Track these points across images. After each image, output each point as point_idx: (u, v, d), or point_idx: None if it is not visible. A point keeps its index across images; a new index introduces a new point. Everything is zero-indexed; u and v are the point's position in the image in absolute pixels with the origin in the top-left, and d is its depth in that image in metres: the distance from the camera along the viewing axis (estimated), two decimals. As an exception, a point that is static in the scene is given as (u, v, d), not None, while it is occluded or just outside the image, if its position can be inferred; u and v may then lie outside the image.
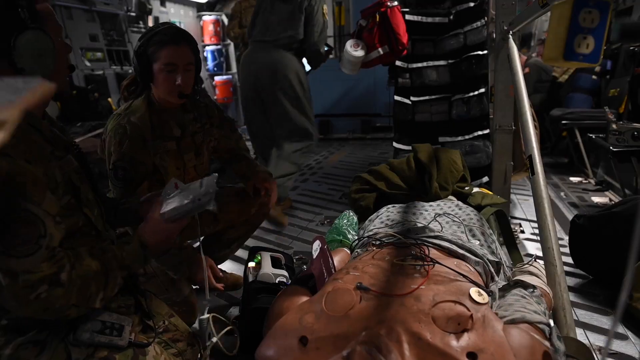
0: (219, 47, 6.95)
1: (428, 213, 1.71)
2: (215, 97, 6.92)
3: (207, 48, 6.92)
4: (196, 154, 1.86)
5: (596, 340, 1.64)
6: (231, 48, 7.08)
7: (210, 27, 6.85)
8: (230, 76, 7.17)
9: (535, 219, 1.56)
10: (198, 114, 1.86)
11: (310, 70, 3.33)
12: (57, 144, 1.13)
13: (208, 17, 6.86)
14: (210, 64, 6.97)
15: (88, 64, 4.86)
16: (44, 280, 0.96)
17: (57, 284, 0.98)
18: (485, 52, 2.91)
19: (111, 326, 1.15)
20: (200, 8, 6.92)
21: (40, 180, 1.00)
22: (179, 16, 6.42)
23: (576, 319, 1.76)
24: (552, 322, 1.11)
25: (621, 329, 1.68)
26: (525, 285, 1.20)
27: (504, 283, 1.27)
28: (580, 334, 1.65)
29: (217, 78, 7.04)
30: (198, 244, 2.17)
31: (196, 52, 1.71)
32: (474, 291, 1.05)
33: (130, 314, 1.23)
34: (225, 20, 6.88)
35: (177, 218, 1.18)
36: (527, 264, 1.56)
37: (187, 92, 1.68)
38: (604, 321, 1.76)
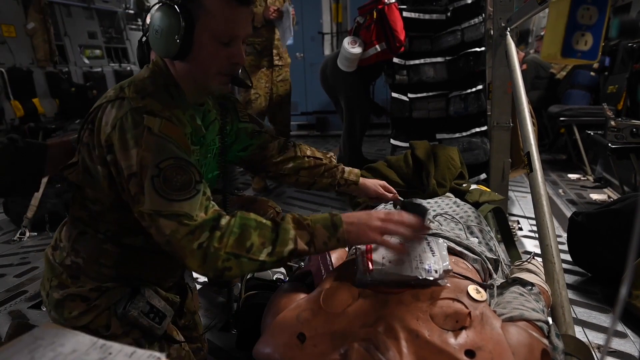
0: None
1: (426, 210, 1.70)
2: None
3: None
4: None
5: (595, 338, 1.64)
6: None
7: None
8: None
9: (533, 216, 1.56)
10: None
11: None
12: (198, 132, 1.17)
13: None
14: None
15: (87, 61, 4.86)
16: (204, 226, 0.96)
17: (217, 228, 0.97)
18: (483, 49, 2.91)
19: (156, 312, 1.16)
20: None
21: (185, 136, 1.05)
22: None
23: (575, 316, 1.76)
24: (550, 320, 1.11)
25: (620, 327, 1.68)
26: (523, 283, 1.19)
27: (502, 280, 1.27)
28: (579, 332, 1.65)
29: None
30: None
31: None
32: (472, 289, 1.05)
33: (174, 307, 1.23)
34: None
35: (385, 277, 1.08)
36: (526, 261, 1.56)
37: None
38: (602, 319, 1.76)
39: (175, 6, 1.03)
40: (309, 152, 1.54)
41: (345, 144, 3.73)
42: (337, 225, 1.02)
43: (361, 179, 1.58)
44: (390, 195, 1.61)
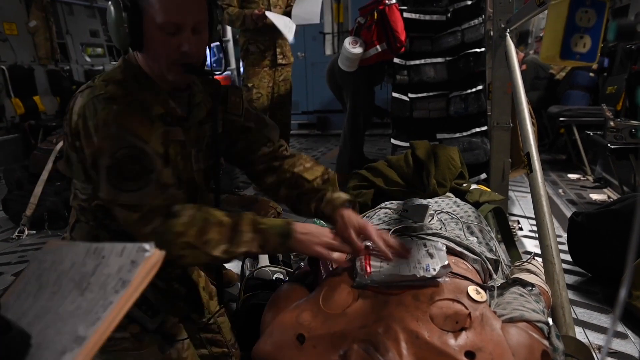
0: (217, 43, 6.92)
1: (426, 210, 1.69)
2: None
3: (206, 45, 6.91)
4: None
5: (595, 339, 1.64)
6: (230, 44, 7.04)
7: (210, 24, 6.83)
8: (229, 72, 7.15)
9: (533, 216, 1.56)
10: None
11: None
12: (173, 113, 1.14)
13: (207, 14, 6.83)
14: (209, 60, 6.94)
15: (88, 59, 4.86)
16: (155, 212, 0.98)
17: (172, 215, 1.00)
18: (483, 49, 2.91)
19: (148, 304, 1.15)
20: (200, 5, 6.90)
21: (150, 122, 1.05)
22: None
23: (575, 317, 1.76)
24: (550, 321, 1.11)
25: (621, 328, 1.68)
26: (523, 284, 1.19)
27: (502, 281, 1.26)
28: (579, 333, 1.65)
29: (216, 74, 7.01)
30: None
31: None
32: (472, 289, 1.05)
33: (178, 301, 1.22)
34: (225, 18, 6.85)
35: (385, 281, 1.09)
36: (526, 261, 1.55)
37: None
38: (603, 319, 1.75)
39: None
40: (298, 169, 1.32)
41: (347, 143, 3.74)
42: (288, 235, 1.08)
43: (341, 212, 1.21)
44: (339, 255, 1.19)
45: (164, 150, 1.09)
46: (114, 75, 1.09)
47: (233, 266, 2.24)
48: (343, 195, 1.27)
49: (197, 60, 1.12)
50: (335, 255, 1.13)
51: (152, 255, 0.65)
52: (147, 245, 0.66)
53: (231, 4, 3.52)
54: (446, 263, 1.08)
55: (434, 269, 1.05)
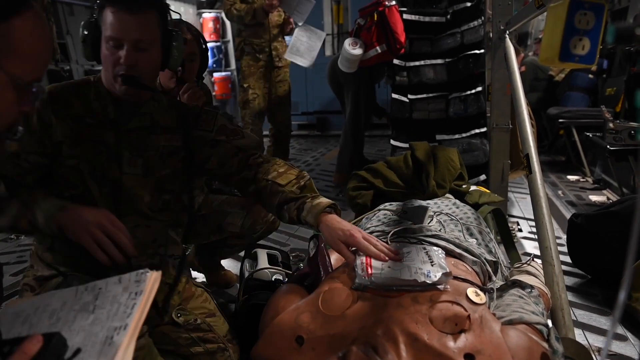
0: (218, 44, 6.98)
1: (425, 212, 1.69)
2: (214, 93, 6.92)
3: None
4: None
5: (595, 341, 1.63)
6: (230, 45, 7.07)
7: (210, 25, 6.88)
8: (229, 72, 7.19)
9: (532, 217, 1.55)
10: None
11: None
12: (104, 119, 1.27)
13: (208, 15, 6.90)
14: (209, 60, 6.96)
15: (88, 60, 4.87)
16: None
17: None
18: (482, 51, 2.91)
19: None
20: (200, 6, 6.99)
21: (61, 113, 1.22)
22: (180, 14, 6.43)
23: (574, 319, 1.75)
24: (550, 323, 1.11)
25: (620, 330, 1.68)
26: (523, 285, 1.19)
27: (502, 283, 1.26)
28: (578, 335, 1.64)
29: (215, 74, 7.06)
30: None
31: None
32: (471, 291, 1.04)
33: None
34: (225, 18, 6.87)
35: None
36: (525, 263, 1.55)
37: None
38: (602, 321, 1.75)
39: (92, 16, 1.22)
40: (272, 175, 1.33)
41: (349, 142, 3.75)
42: (54, 215, 1.14)
43: (325, 222, 1.21)
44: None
45: (63, 138, 1.22)
46: (81, 79, 1.31)
47: (232, 267, 2.24)
48: (323, 201, 1.26)
49: (139, 75, 1.21)
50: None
51: (152, 274, 0.73)
52: (145, 271, 0.74)
53: (234, 3, 3.56)
54: (447, 270, 1.08)
55: (435, 276, 1.05)
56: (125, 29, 1.17)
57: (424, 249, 1.20)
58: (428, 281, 1.04)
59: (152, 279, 0.72)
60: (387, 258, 1.16)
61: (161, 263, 1.37)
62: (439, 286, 1.05)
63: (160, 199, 1.35)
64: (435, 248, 1.22)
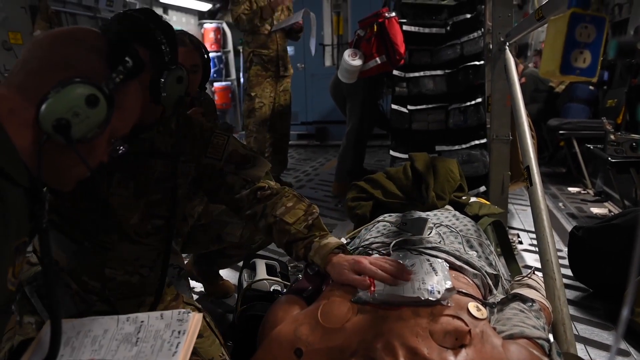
0: (219, 54, 7.04)
1: (425, 223, 1.68)
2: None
3: (208, 55, 7.02)
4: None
5: (597, 356, 1.61)
6: (231, 55, 7.13)
7: (211, 35, 6.95)
8: (229, 82, 7.24)
9: (533, 229, 1.54)
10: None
11: None
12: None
13: (209, 25, 6.97)
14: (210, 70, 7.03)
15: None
16: None
17: None
18: (482, 62, 2.92)
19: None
20: (202, 16, 7.06)
21: None
22: (181, 24, 6.52)
23: (576, 333, 1.73)
24: (551, 338, 1.09)
25: (623, 345, 1.65)
26: (523, 299, 1.17)
27: (502, 296, 1.25)
28: (580, 350, 1.62)
29: (216, 84, 7.13)
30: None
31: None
32: (472, 306, 1.03)
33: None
34: (226, 28, 6.94)
35: None
36: (526, 276, 1.54)
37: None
38: (605, 336, 1.73)
39: None
40: (279, 211, 1.29)
41: (350, 152, 3.77)
42: None
43: (332, 263, 1.20)
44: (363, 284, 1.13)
45: None
46: None
47: (230, 277, 2.22)
48: (331, 242, 1.24)
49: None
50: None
51: (194, 315, 0.79)
52: (187, 311, 0.79)
53: (243, 10, 3.64)
54: (451, 286, 1.06)
55: (439, 292, 1.03)
56: None
57: (428, 260, 1.19)
58: (432, 298, 1.02)
59: (195, 320, 0.77)
60: (397, 282, 1.10)
61: (141, 284, 1.31)
62: (442, 302, 1.03)
63: (150, 222, 1.28)
64: (439, 260, 1.20)
